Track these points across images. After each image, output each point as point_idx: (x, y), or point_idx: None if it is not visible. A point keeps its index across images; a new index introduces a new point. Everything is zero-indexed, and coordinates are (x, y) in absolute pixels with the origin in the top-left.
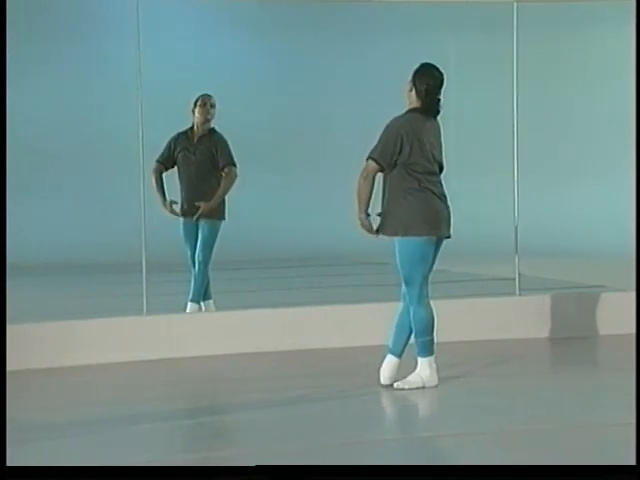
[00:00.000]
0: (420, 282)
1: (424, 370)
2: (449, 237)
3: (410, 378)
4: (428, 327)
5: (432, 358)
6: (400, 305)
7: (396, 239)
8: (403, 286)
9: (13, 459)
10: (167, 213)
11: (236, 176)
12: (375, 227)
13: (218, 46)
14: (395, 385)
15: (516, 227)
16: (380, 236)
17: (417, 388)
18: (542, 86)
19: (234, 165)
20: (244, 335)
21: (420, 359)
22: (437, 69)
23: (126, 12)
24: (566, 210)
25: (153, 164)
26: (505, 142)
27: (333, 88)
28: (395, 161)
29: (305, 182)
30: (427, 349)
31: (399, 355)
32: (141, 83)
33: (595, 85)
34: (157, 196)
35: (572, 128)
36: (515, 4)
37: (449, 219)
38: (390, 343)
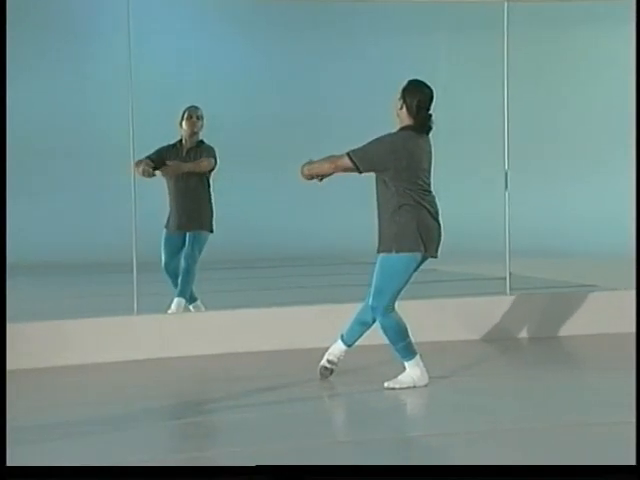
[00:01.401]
0: (391, 295)
1: (414, 370)
2: (435, 257)
3: (401, 378)
4: (401, 333)
5: (417, 357)
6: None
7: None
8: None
9: (13, 459)
10: (140, 175)
11: (211, 166)
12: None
13: (212, 45)
14: (386, 385)
15: (507, 226)
16: (316, 181)
17: (408, 387)
18: (533, 85)
19: (214, 159)
20: (234, 335)
21: (406, 362)
22: (426, 85)
23: (118, 10)
24: (559, 210)
25: (141, 158)
26: (497, 141)
27: (327, 88)
28: (375, 171)
29: (295, 182)
30: (408, 352)
31: (349, 346)
32: (132, 82)
33: (587, 84)
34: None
35: (563, 127)
36: (506, 3)
37: (439, 239)
38: (344, 332)
